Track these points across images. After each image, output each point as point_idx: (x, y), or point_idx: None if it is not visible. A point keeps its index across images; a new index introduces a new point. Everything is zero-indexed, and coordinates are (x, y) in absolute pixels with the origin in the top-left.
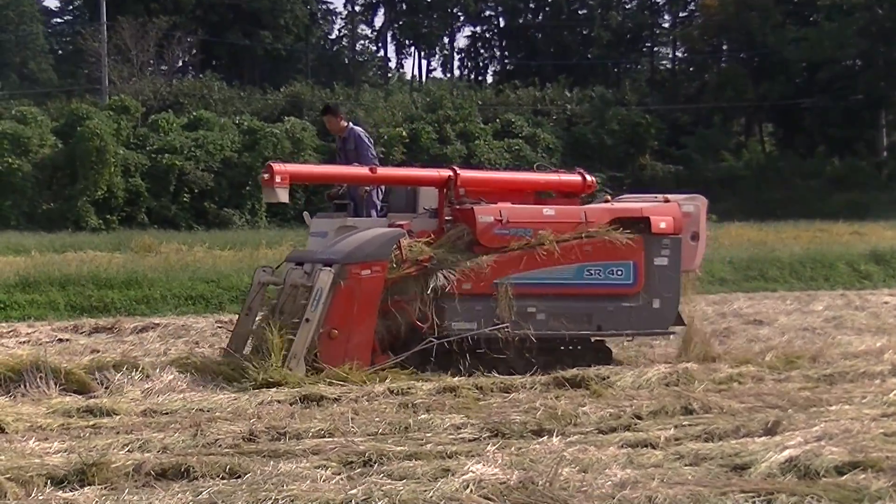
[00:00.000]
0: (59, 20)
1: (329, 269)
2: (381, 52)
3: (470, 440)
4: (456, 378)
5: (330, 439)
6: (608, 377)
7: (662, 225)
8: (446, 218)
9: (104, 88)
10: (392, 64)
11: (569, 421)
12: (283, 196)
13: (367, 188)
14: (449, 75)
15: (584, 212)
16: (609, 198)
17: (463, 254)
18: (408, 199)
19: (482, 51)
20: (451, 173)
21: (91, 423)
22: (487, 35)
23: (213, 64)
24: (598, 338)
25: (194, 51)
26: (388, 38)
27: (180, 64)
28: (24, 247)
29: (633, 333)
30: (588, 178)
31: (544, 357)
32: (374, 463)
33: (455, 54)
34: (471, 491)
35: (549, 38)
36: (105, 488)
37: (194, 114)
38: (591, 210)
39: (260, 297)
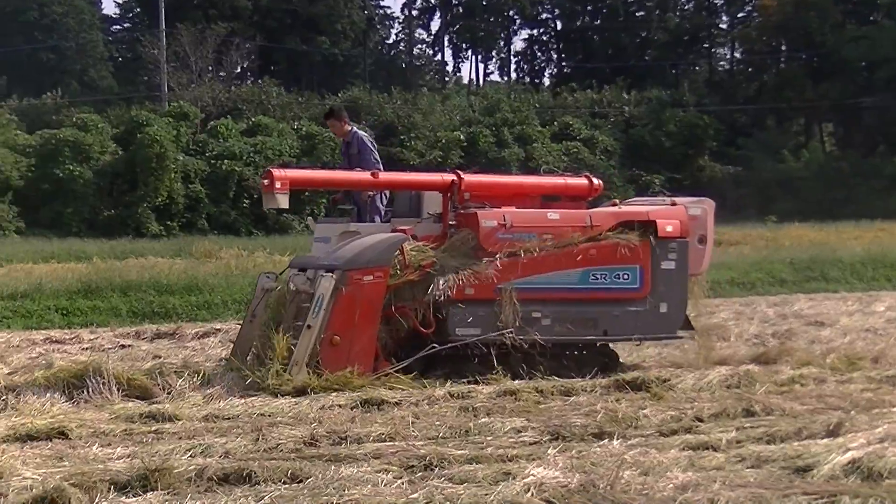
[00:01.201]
0: (118, 27)
1: (331, 275)
2: (439, 56)
3: (530, 443)
4: (516, 381)
5: (391, 443)
6: (669, 380)
7: (669, 228)
8: (450, 223)
9: (163, 95)
10: (449, 68)
11: (629, 424)
12: (284, 202)
13: (371, 193)
14: (506, 78)
15: (590, 216)
16: (617, 201)
17: (467, 259)
18: (411, 203)
19: (539, 53)
20: (454, 177)
21: (153, 428)
22: (544, 38)
23: (272, 69)
24: (604, 342)
25: (252, 56)
26: (445, 42)
27: (239, 70)
28: (86, 253)
29: (639, 338)
30: (595, 181)
31: (550, 362)
32: (435, 467)
33: (512, 57)
34: (532, 494)
35: (606, 40)
36: (168, 493)
37: (253, 119)
38: (596, 214)
39: (263, 304)
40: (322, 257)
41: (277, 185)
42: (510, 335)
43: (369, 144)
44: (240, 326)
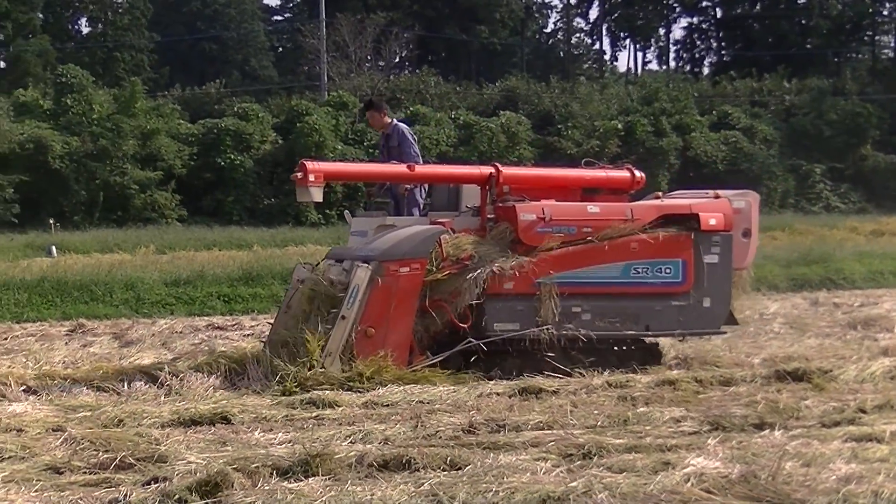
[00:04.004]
0: (279, 17)
1: (366, 265)
2: (597, 45)
3: (690, 433)
4: (674, 371)
5: (549, 431)
6: (830, 370)
7: (712, 222)
8: (489, 216)
9: (323, 85)
10: (607, 56)
11: (791, 415)
12: (318, 195)
13: (408, 186)
14: (664, 67)
15: (631, 209)
16: (660, 194)
17: (505, 252)
18: (450, 197)
19: (698, 42)
20: (492, 170)
21: (314, 414)
22: (704, 26)
23: (430, 59)
24: (645, 337)
25: (411, 46)
26: (604, 31)
27: (397, 59)
28: (247, 241)
29: (682, 333)
30: (637, 173)
31: (590, 357)
32: (594, 455)
33: (671, 46)
34: (692, 484)
35: (766, 29)
36: (329, 479)
37: (411, 109)
38: (637, 207)
39: (299, 295)
40: (359, 248)
41: (311, 178)
42: (549, 330)
43: (409, 137)
44: (275, 317)
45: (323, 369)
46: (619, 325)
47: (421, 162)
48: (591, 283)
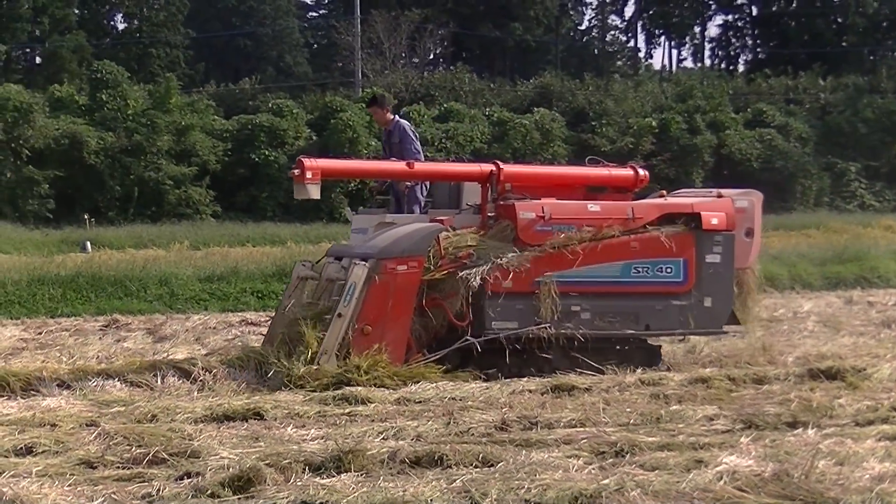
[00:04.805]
0: (313, 14)
1: (364, 263)
2: (631, 43)
3: (723, 432)
4: (707, 369)
5: (581, 429)
6: (864, 369)
7: (714, 221)
8: (489, 214)
9: (357, 81)
10: (641, 54)
11: (824, 413)
12: (315, 192)
13: (409, 183)
14: (699, 64)
15: (632, 208)
16: (664, 193)
17: (505, 250)
18: (451, 194)
19: (734, 39)
20: (493, 168)
21: (347, 410)
22: (739, 24)
23: (464, 56)
24: (647, 337)
25: (445, 43)
26: (639, 28)
27: (432, 56)
28: (280, 237)
29: (683, 333)
30: (641, 172)
31: (589, 357)
32: (626, 453)
33: (706, 43)
34: (724, 483)
35: (802, 26)
36: (361, 475)
37: (445, 106)
38: (639, 206)
39: (299, 292)
40: (357, 246)
41: (308, 174)
42: (548, 329)
43: (411, 134)
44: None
45: (318, 367)
46: (618, 325)
47: (422, 159)
48: (590, 282)
